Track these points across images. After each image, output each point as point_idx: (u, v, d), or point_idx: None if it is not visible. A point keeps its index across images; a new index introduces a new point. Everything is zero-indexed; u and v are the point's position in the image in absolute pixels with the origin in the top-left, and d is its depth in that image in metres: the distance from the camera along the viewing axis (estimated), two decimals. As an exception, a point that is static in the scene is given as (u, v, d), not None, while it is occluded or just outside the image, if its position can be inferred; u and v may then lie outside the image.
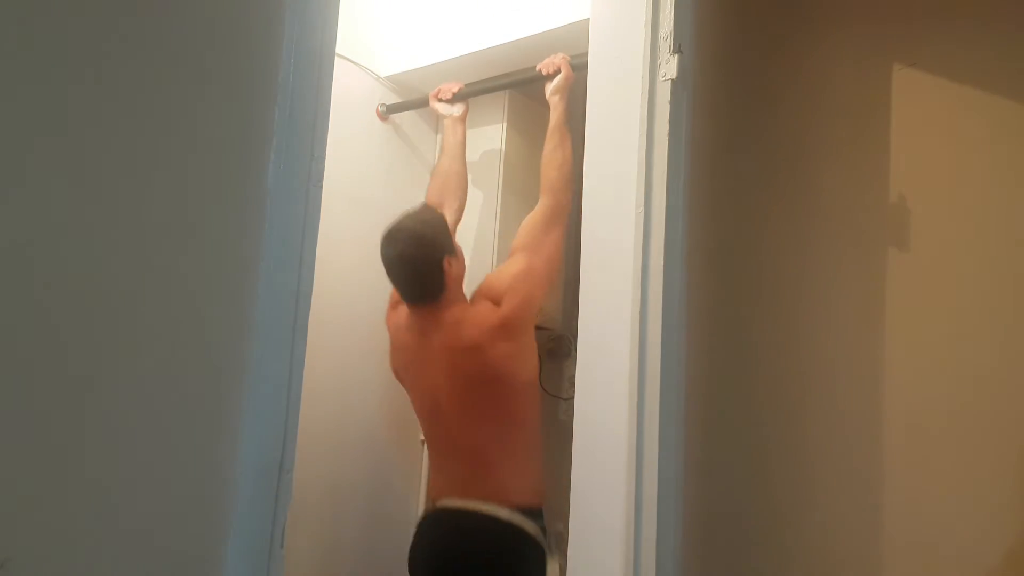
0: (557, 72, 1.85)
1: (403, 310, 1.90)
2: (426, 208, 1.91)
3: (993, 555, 1.26)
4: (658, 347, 1.27)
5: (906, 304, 1.39)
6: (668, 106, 1.32)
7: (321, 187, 0.93)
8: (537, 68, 1.89)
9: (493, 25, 1.97)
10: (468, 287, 1.89)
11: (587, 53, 1.48)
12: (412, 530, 1.85)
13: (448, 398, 1.80)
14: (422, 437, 2.19)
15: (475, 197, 2.16)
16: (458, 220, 2.02)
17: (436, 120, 2.31)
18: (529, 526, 1.71)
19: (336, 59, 0.99)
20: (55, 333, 0.70)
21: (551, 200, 1.81)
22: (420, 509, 2.18)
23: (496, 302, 1.77)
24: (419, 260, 1.78)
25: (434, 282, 1.79)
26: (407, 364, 1.91)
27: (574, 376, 1.40)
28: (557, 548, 1.81)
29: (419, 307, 1.84)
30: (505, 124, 2.20)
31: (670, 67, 1.32)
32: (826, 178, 1.50)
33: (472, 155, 2.15)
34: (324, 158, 0.94)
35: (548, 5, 1.86)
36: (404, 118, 2.27)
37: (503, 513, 1.69)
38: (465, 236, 2.11)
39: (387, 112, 2.21)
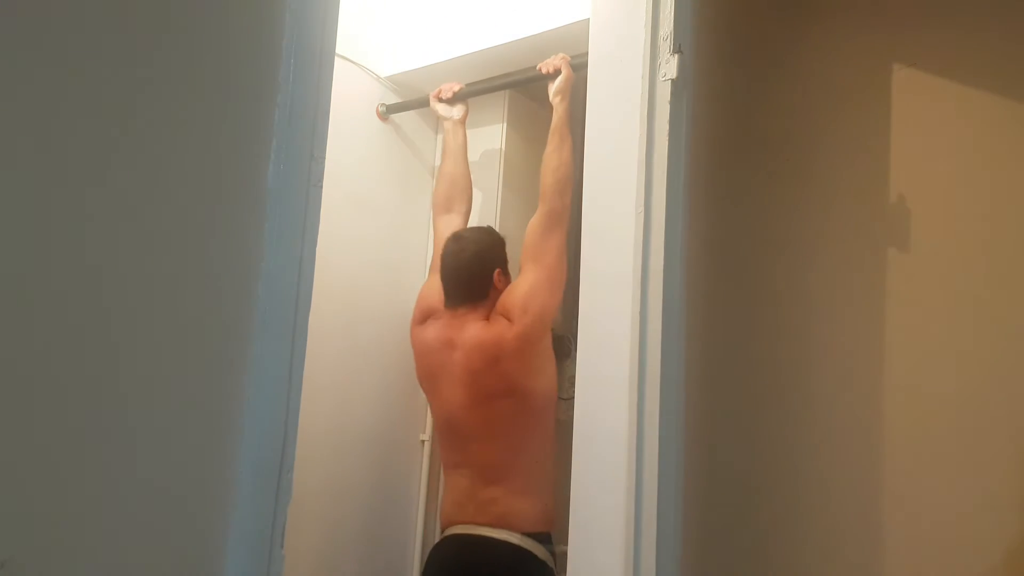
0: (557, 72, 1.85)
1: (429, 326, 1.94)
2: (490, 229, 2.01)
3: (994, 554, 1.26)
4: (658, 347, 1.27)
5: (906, 304, 1.39)
6: (668, 106, 1.32)
7: (321, 187, 0.93)
8: (537, 68, 1.89)
9: (493, 25, 1.97)
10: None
11: (587, 53, 1.48)
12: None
13: (464, 415, 1.84)
14: (422, 437, 2.19)
15: (475, 197, 2.16)
16: (466, 222, 2.05)
17: (436, 120, 2.31)
18: (539, 551, 1.76)
19: (336, 59, 0.98)
20: (54, 333, 0.70)
21: (547, 206, 1.83)
22: (420, 508, 2.18)
23: (510, 320, 1.81)
24: (477, 260, 1.88)
25: (482, 285, 1.89)
26: (429, 377, 1.95)
27: (574, 376, 1.40)
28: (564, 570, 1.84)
29: (456, 310, 1.89)
30: (505, 124, 2.20)
31: (670, 67, 1.32)
32: (826, 178, 1.50)
33: (472, 155, 2.15)
34: (324, 158, 0.94)
35: (548, 5, 1.86)
36: (404, 118, 2.27)
37: (514, 538, 1.75)
38: (465, 236, 2.10)
39: (387, 112, 2.21)
